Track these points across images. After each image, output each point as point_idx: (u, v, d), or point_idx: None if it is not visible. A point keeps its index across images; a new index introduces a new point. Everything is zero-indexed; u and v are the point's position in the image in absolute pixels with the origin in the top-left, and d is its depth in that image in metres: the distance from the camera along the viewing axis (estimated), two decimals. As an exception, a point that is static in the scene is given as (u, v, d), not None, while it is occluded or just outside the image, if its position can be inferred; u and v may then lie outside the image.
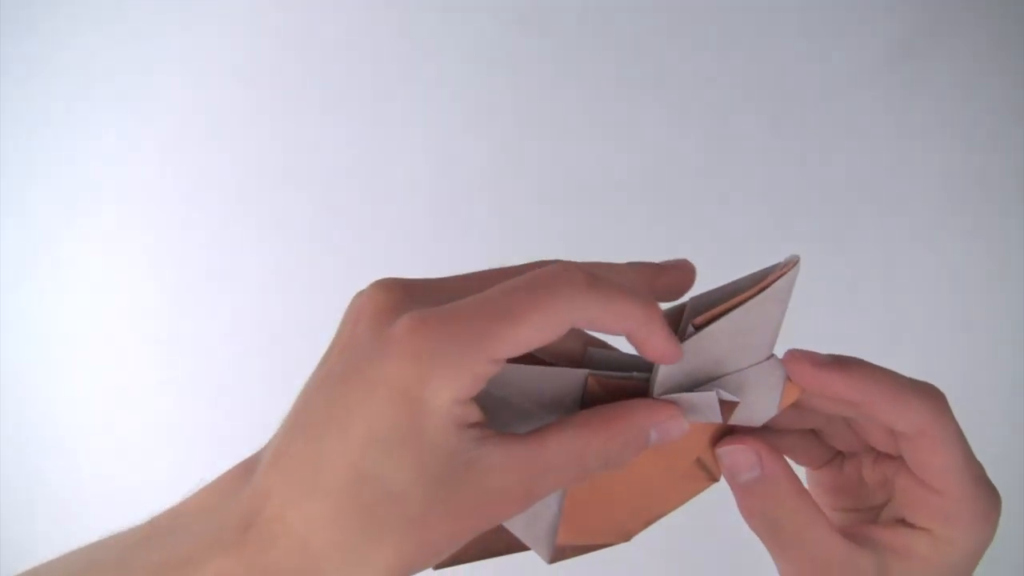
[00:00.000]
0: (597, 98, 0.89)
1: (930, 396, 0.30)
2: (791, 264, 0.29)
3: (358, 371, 0.25)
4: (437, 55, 0.90)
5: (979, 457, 0.30)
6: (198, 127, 0.89)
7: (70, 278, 0.89)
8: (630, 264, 0.30)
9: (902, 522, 0.31)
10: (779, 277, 0.28)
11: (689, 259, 0.30)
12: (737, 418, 0.29)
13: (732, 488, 0.31)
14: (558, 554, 0.30)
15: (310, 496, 0.24)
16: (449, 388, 0.24)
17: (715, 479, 0.32)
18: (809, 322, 0.86)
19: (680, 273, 0.31)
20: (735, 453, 0.31)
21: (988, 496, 0.30)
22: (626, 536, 0.32)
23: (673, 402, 0.28)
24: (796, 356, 0.30)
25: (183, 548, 0.25)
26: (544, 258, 0.29)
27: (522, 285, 0.25)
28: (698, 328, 0.28)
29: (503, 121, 0.89)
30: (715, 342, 0.28)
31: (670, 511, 0.32)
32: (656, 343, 0.27)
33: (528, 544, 0.29)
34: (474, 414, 0.25)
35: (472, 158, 0.89)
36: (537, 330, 0.25)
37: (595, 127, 0.89)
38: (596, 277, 0.26)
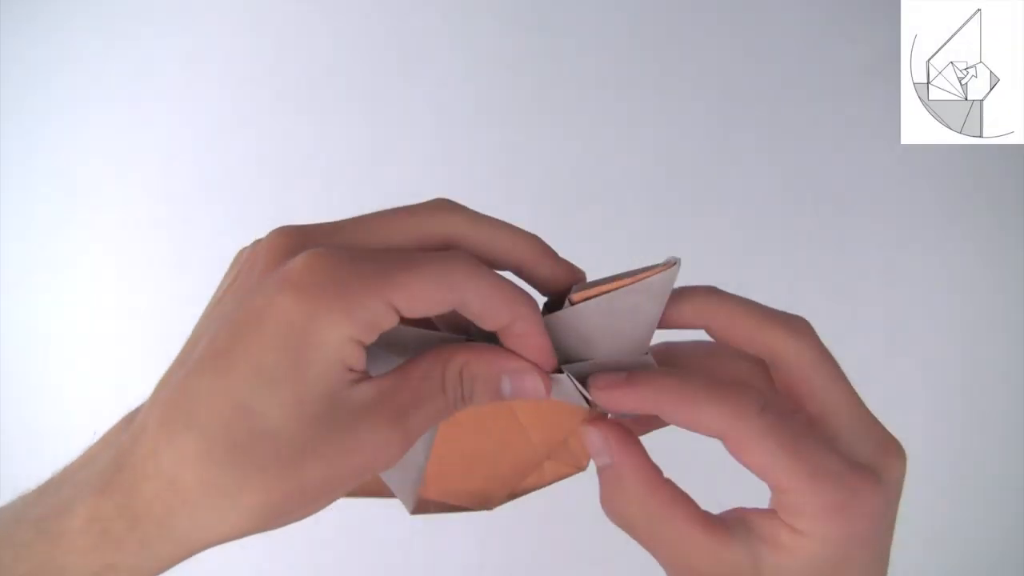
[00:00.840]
0: (597, 98, 0.89)
1: (729, 399, 0.27)
2: (670, 264, 0.29)
3: (248, 307, 0.25)
4: (437, 55, 0.90)
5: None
6: (198, 127, 0.89)
7: (70, 278, 0.89)
8: (523, 236, 0.29)
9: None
10: (655, 273, 0.28)
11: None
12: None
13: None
14: (420, 507, 0.30)
15: (184, 431, 0.24)
16: (340, 326, 0.24)
17: (580, 467, 0.32)
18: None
19: (567, 272, 0.30)
20: (587, 434, 0.29)
21: (834, 488, 0.26)
22: (487, 503, 0.32)
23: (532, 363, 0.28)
24: (593, 381, 0.29)
25: (65, 496, 0.25)
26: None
27: (423, 252, 0.26)
28: (573, 304, 0.28)
29: (503, 121, 0.89)
30: (584, 321, 0.28)
31: (536, 488, 0.32)
32: (530, 343, 0.27)
33: (395, 493, 0.30)
34: (359, 360, 0.25)
35: (472, 158, 0.89)
36: (432, 286, 0.25)
37: (595, 127, 0.89)
38: (482, 266, 0.26)
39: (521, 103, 0.89)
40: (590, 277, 0.31)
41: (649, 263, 0.29)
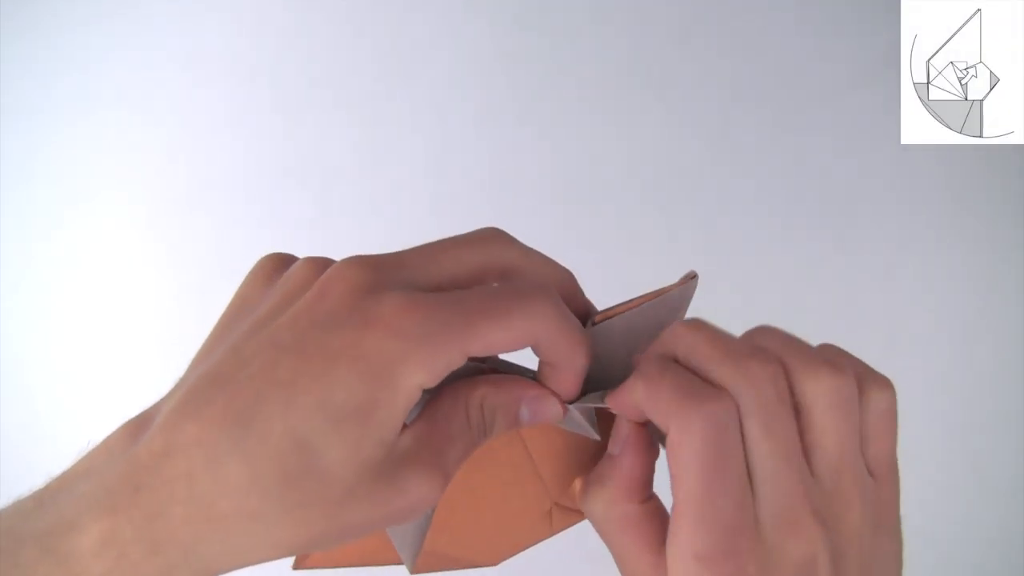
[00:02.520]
0: (597, 98, 0.89)
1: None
2: (688, 278, 0.29)
3: (321, 342, 0.24)
4: (438, 55, 0.90)
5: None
6: (198, 127, 0.89)
7: (70, 278, 0.89)
8: (563, 270, 0.29)
9: None
10: (675, 288, 0.29)
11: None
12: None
13: None
14: (423, 563, 0.29)
15: (229, 457, 0.23)
16: (422, 372, 0.24)
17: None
18: (809, 322, 0.86)
19: (588, 308, 0.30)
20: (619, 421, 0.29)
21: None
22: (493, 556, 0.31)
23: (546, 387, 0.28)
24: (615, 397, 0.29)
25: (69, 511, 0.24)
26: (513, 238, 0.29)
27: (505, 291, 0.26)
28: (595, 325, 0.29)
29: (503, 121, 0.89)
30: (608, 339, 0.29)
31: (543, 538, 0.31)
32: (565, 383, 0.28)
33: (396, 547, 0.29)
34: (414, 407, 0.25)
35: (472, 158, 0.89)
36: (509, 334, 0.25)
37: (595, 127, 0.89)
38: (563, 307, 0.26)
39: (521, 103, 0.89)
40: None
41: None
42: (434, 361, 0.24)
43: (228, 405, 0.24)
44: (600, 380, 0.29)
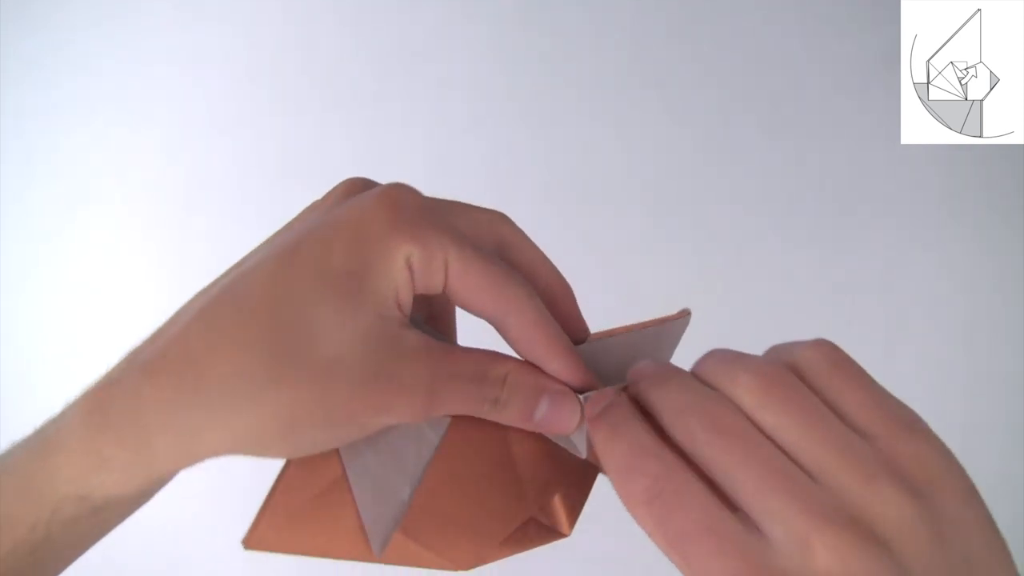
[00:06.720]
0: (597, 98, 0.89)
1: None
2: (683, 314, 0.29)
3: (330, 216, 0.25)
4: (438, 55, 0.90)
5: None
6: (198, 126, 0.89)
7: (70, 278, 0.89)
8: (561, 276, 0.29)
9: None
10: (669, 320, 0.28)
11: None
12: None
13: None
14: (391, 548, 0.28)
15: (224, 315, 0.24)
16: (412, 244, 0.24)
17: (563, 533, 0.30)
18: (808, 322, 0.86)
19: (582, 325, 0.30)
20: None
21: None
22: (463, 560, 0.29)
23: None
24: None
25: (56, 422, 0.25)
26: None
27: (501, 262, 0.27)
28: (589, 343, 0.29)
29: (503, 121, 0.89)
30: (601, 359, 0.28)
31: (518, 551, 0.30)
32: (575, 373, 0.27)
33: (365, 523, 0.28)
34: (406, 301, 0.25)
35: (472, 158, 0.89)
36: (488, 279, 0.26)
37: (595, 127, 0.89)
38: (545, 311, 0.27)
39: (520, 103, 0.89)
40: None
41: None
42: (425, 239, 0.24)
43: (232, 276, 0.25)
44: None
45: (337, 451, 0.28)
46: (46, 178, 0.89)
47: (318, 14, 0.90)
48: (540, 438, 0.29)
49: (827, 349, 0.24)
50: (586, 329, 0.29)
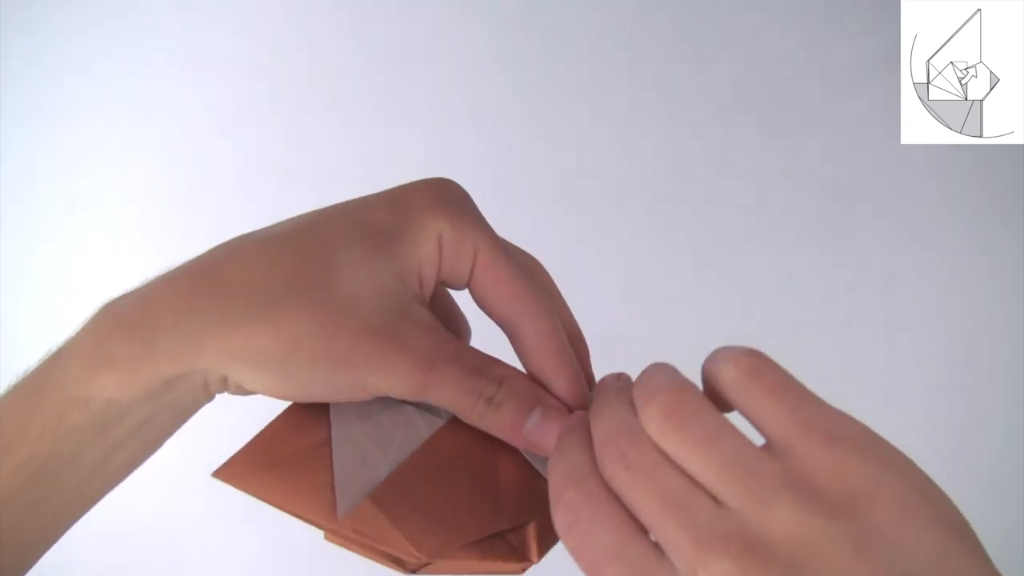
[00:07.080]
0: (597, 98, 0.89)
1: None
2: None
3: (386, 191, 0.28)
4: (438, 55, 0.90)
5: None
6: (198, 126, 0.89)
7: (71, 278, 0.88)
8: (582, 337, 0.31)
9: None
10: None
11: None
12: None
13: None
14: (357, 515, 0.27)
15: (251, 245, 0.26)
16: (444, 220, 0.26)
17: (526, 562, 0.29)
18: (808, 323, 0.86)
19: (582, 382, 0.30)
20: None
21: None
22: (424, 545, 0.27)
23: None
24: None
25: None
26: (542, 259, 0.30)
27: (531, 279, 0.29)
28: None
29: (502, 121, 0.89)
30: None
31: (480, 569, 0.29)
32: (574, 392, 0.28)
33: (338, 483, 0.28)
34: (428, 284, 0.27)
35: (471, 158, 0.89)
36: (512, 280, 0.28)
37: (595, 127, 0.89)
38: (561, 330, 0.28)
39: (520, 103, 0.89)
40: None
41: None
42: (461, 222, 0.26)
43: (272, 224, 0.27)
44: None
45: (328, 418, 0.29)
46: (46, 178, 0.89)
47: (318, 14, 0.90)
48: (528, 470, 0.29)
49: (746, 361, 0.22)
50: (592, 384, 0.30)
